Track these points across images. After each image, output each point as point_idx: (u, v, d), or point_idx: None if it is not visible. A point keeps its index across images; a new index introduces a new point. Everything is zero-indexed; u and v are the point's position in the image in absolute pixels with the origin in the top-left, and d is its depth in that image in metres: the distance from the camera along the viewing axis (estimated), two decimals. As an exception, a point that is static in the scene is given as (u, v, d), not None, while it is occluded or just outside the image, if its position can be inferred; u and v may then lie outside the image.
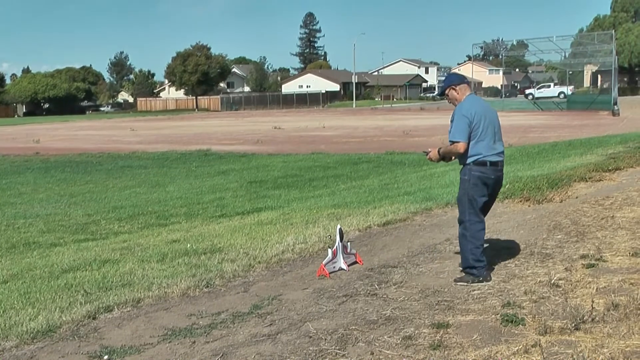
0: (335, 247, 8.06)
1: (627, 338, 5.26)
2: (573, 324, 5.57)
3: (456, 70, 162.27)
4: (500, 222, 10.45)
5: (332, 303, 6.75)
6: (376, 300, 6.74)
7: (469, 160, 7.26)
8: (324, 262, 7.92)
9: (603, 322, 5.63)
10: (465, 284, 7.09)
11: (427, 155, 7.76)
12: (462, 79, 7.63)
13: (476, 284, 7.05)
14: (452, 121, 7.33)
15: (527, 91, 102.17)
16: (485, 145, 7.23)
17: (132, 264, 9.10)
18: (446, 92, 7.53)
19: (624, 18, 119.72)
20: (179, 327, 6.28)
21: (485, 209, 7.53)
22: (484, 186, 7.30)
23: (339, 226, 8.42)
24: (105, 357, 5.63)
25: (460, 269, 7.52)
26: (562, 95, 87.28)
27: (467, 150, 7.19)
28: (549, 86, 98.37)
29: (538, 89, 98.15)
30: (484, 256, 7.34)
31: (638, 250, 8.02)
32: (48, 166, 29.74)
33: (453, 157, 7.53)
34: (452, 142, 7.24)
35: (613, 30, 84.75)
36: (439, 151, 7.52)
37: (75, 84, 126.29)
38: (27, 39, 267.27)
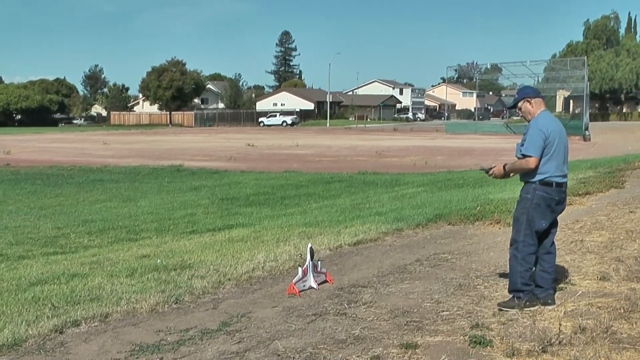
0: (305, 265, 8.05)
1: (594, 361, 5.30)
2: (540, 347, 5.60)
3: (430, 92, 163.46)
4: (471, 244, 10.50)
5: (302, 322, 6.73)
6: (345, 319, 6.74)
7: (535, 179, 6.86)
8: (294, 281, 7.91)
9: (570, 345, 5.67)
10: (511, 309, 6.76)
11: (487, 172, 7.41)
12: (537, 93, 7.21)
13: (518, 309, 6.74)
14: (525, 134, 6.94)
15: (260, 119, 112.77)
16: (554, 166, 6.84)
17: (101, 278, 9.04)
18: (519, 104, 7.13)
19: (596, 45, 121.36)
20: (146, 343, 6.23)
21: (546, 233, 7.10)
22: (547, 208, 6.92)
23: (309, 245, 8.42)
24: (71, 371, 5.58)
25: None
26: (285, 124, 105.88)
27: (537, 167, 6.80)
28: (275, 115, 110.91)
29: (267, 117, 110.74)
30: (532, 280, 6.98)
31: (606, 274, 8.09)
32: (18, 178, 29.50)
33: (512, 175, 7.19)
34: (524, 156, 6.83)
35: (585, 57, 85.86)
36: (504, 167, 7.13)
37: (49, 96, 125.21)
38: (0, 49, 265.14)
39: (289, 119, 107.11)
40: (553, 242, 7.25)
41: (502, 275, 8.34)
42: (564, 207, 7.20)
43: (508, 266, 7.19)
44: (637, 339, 5.81)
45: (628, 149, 36.28)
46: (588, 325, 6.09)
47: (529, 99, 7.05)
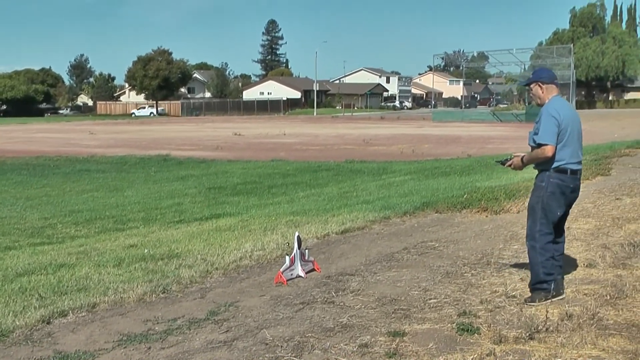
0: (293, 254, 8.05)
1: (580, 348, 5.33)
2: (527, 334, 5.63)
3: (417, 80, 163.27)
4: (458, 232, 10.52)
5: (289, 310, 6.74)
6: (333, 307, 6.74)
7: (549, 166, 6.68)
8: (281, 269, 7.91)
9: (557, 331, 5.70)
10: (538, 303, 6.54)
11: (504, 164, 7.27)
12: (551, 78, 6.94)
13: (547, 301, 6.61)
14: (537, 122, 6.74)
15: (132, 110, 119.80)
16: (569, 152, 6.65)
17: (88, 268, 9.02)
18: (531, 86, 6.93)
19: (582, 33, 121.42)
20: (134, 332, 6.23)
21: (560, 222, 6.96)
22: (562, 195, 6.73)
23: (297, 233, 8.42)
24: (59, 362, 5.57)
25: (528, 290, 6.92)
26: (152, 115, 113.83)
27: (554, 154, 6.58)
28: (144, 107, 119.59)
29: (138, 109, 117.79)
30: (556, 270, 6.79)
31: (592, 261, 8.13)
32: (4, 169, 29.38)
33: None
34: (539, 145, 6.63)
35: (572, 45, 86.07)
36: (522, 159, 6.94)
37: (34, 86, 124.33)
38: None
39: (155, 111, 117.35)
40: (563, 231, 7.14)
41: (490, 263, 8.38)
42: (577, 195, 7.04)
43: (528, 258, 6.98)
44: (623, 325, 5.84)
45: (614, 137, 36.38)
46: (575, 312, 6.12)
47: (541, 84, 6.86)
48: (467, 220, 11.55)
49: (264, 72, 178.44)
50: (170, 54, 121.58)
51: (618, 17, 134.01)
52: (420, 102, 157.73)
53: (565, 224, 7.21)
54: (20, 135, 55.96)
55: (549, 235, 6.80)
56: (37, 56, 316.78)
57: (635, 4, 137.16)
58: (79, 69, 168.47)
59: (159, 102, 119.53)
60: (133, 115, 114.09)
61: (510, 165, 7.19)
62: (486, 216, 11.79)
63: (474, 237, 10.02)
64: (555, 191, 6.71)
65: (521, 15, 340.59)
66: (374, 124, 70.80)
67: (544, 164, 6.74)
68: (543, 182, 6.77)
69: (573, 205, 7.21)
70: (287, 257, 8.04)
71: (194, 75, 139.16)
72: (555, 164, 6.65)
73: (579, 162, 6.83)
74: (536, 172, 6.93)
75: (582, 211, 11.37)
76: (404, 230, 10.99)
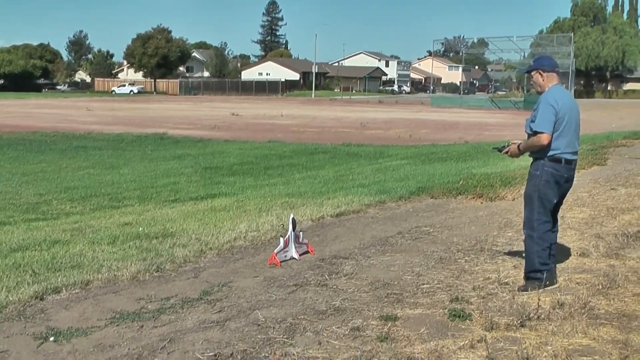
0: (287, 236, 8.07)
1: (571, 336, 5.35)
2: (519, 321, 5.65)
3: (416, 65, 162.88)
4: (453, 218, 10.54)
5: (282, 292, 6.75)
6: (326, 290, 6.76)
7: (544, 155, 6.69)
8: (275, 251, 7.92)
9: (548, 320, 5.72)
10: (531, 292, 6.54)
11: (501, 151, 7.27)
12: (553, 66, 6.93)
13: (540, 290, 6.58)
14: (535, 110, 6.73)
15: (113, 88, 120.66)
16: (565, 142, 6.65)
17: (83, 245, 9.01)
18: (532, 73, 6.91)
19: (583, 22, 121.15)
20: (127, 310, 6.23)
21: (554, 211, 6.97)
22: (556, 185, 6.74)
23: (292, 215, 8.43)
24: (51, 338, 5.57)
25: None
26: (131, 93, 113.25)
27: (549, 143, 6.58)
28: (125, 85, 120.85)
29: (118, 87, 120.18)
30: (550, 259, 6.84)
31: (585, 250, 8.15)
32: (0, 143, 29.30)
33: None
34: (535, 133, 6.63)
35: (572, 34, 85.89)
36: (519, 147, 6.96)
37: (32, 61, 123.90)
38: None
39: (135, 89, 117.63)
40: (557, 220, 7.14)
41: (483, 250, 8.40)
42: (571, 185, 7.05)
43: (524, 246, 6.99)
44: (615, 315, 5.87)
45: (612, 127, 36.40)
46: (566, 301, 6.14)
47: (542, 71, 6.84)
48: (462, 207, 11.57)
49: (263, 53, 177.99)
50: (170, 32, 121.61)
51: (619, 8, 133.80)
52: (418, 87, 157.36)
53: (560, 212, 7.24)
54: (17, 110, 55.84)
55: (547, 223, 6.82)
56: (36, 31, 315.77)
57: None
58: (78, 45, 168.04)
59: (157, 80, 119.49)
60: (113, 92, 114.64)
61: (507, 152, 7.21)
62: (481, 203, 11.81)
63: (469, 224, 10.04)
64: (550, 180, 6.73)
65: (522, 3, 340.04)
66: (372, 108, 70.72)
67: (539, 153, 6.75)
68: (538, 170, 6.79)
69: (568, 194, 7.23)
70: (281, 239, 8.06)
71: (193, 54, 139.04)
72: (550, 153, 6.66)
73: (575, 153, 6.83)
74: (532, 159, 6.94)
75: (577, 200, 11.39)
76: (399, 214, 11.00)
